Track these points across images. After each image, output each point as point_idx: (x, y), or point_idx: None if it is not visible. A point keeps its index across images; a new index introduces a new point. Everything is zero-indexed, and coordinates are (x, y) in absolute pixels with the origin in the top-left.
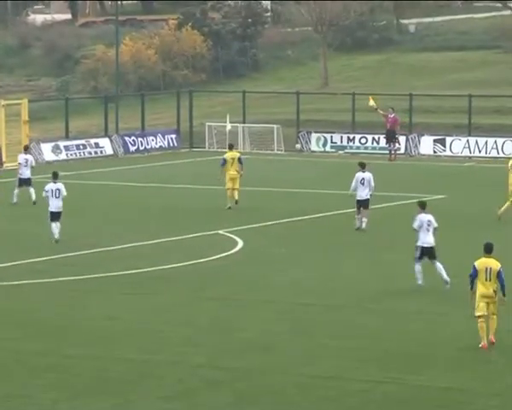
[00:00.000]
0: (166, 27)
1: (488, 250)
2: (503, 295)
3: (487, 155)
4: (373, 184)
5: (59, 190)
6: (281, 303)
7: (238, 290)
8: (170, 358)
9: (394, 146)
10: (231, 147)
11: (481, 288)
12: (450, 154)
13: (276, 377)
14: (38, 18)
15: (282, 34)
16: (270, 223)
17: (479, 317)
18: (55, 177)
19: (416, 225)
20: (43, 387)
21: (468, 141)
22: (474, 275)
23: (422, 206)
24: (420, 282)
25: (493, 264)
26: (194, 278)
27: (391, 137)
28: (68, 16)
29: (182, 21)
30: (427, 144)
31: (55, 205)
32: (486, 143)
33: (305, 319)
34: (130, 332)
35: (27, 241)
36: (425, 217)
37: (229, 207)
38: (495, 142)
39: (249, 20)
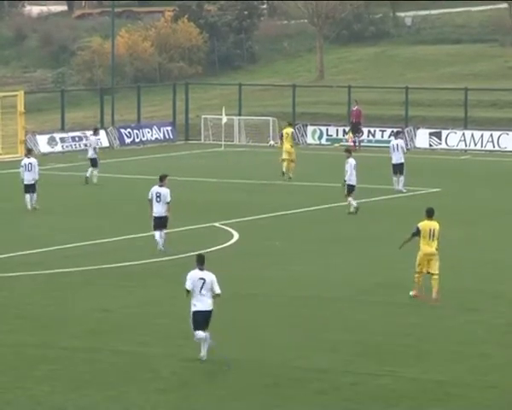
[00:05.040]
0: (162, 19)
1: (430, 214)
2: None
3: (483, 148)
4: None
5: (31, 164)
6: (276, 296)
7: (233, 283)
8: (165, 350)
9: (359, 137)
10: (290, 124)
11: (425, 247)
12: (445, 147)
13: (271, 370)
14: (34, 9)
15: (278, 27)
16: (265, 215)
17: (417, 272)
18: (29, 152)
19: (148, 195)
20: (38, 379)
21: (463, 134)
22: (415, 233)
23: (160, 179)
24: (159, 247)
25: (435, 225)
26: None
27: (356, 129)
28: (64, 8)
29: (178, 13)
30: (422, 137)
31: (27, 178)
32: (482, 136)
33: (300, 312)
34: (124, 325)
35: (21, 233)
36: (156, 189)
37: (287, 176)
38: (491, 135)
39: (245, 12)
